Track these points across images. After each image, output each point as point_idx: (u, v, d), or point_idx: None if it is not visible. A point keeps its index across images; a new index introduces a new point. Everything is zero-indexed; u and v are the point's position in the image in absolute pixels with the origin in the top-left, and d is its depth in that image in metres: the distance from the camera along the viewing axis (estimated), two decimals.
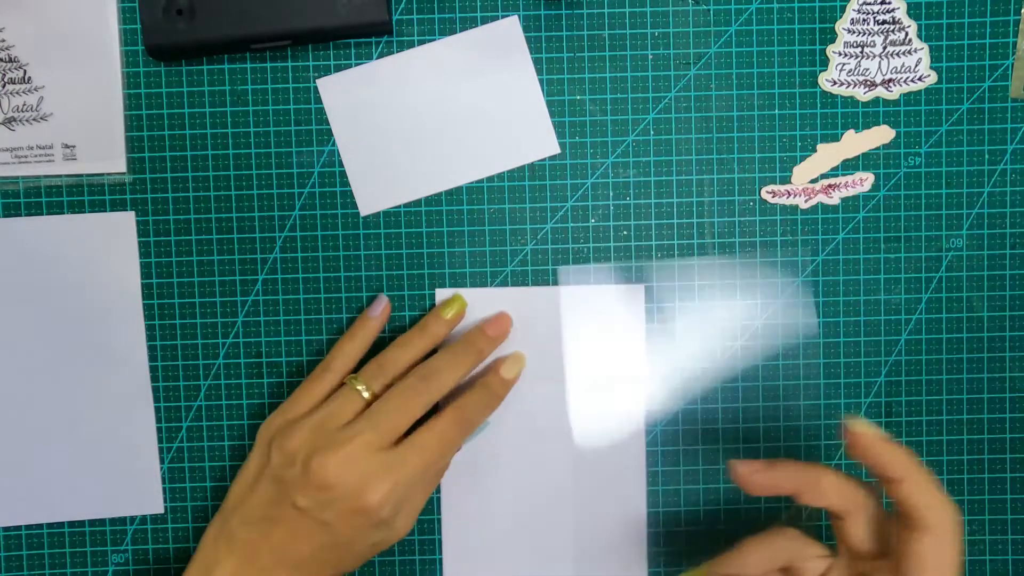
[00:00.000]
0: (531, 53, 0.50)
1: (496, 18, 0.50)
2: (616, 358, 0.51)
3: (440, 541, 0.51)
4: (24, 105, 0.50)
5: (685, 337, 0.51)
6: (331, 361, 0.48)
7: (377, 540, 0.46)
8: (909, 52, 0.50)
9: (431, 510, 0.51)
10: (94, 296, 0.50)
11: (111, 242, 0.50)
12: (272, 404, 0.51)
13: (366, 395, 0.47)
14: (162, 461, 0.51)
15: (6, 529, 0.51)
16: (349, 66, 0.50)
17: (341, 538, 0.45)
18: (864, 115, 0.50)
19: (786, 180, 0.51)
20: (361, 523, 0.44)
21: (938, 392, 0.51)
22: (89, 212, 0.50)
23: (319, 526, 0.44)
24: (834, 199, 0.51)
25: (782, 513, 0.52)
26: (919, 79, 0.50)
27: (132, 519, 0.52)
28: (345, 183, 0.51)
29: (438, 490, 0.51)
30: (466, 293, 0.51)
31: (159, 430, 0.51)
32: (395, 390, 0.47)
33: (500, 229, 0.51)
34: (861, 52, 0.50)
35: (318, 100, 0.50)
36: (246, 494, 0.46)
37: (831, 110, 0.50)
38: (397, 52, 0.50)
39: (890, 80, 0.50)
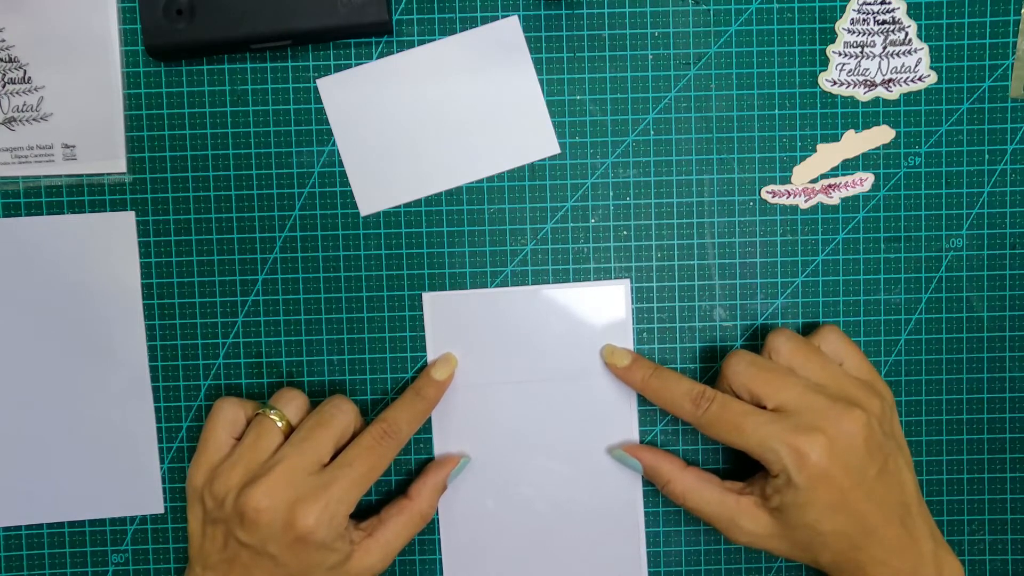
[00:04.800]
0: (531, 53, 0.50)
1: (496, 18, 0.50)
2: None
3: (440, 541, 0.51)
4: (24, 105, 0.50)
5: (685, 338, 0.51)
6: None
7: (332, 564, 0.45)
8: (909, 52, 0.50)
9: None
10: (94, 296, 0.50)
11: (111, 242, 0.50)
12: None
13: (280, 424, 0.46)
14: (162, 461, 0.51)
15: (6, 529, 0.51)
16: (349, 66, 0.50)
17: (294, 569, 0.44)
18: (864, 115, 0.50)
19: (786, 180, 0.51)
20: (304, 551, 0.44)
21: (938, 392, 0.51)
22: (89, 212, 0.50)
23: (269, 560, 0.44)
24: (834, 199, 0.51)
25: None
26: (919, 79, 0.50)
27: (132, 519, 0.52)
28: (345, 183, 0.51)
29: None
30: (467, 293, 0.51)
31: (159, 430, 0.51)
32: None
33: (500, 229, 0.51)
34: (861, 52, 0.50)
35: (318, 100, 0.50)
36: (200, 543, 0.46)
37: (831, 110, 0.50)
38: (397, 52, 0.50)
39: (890, 80, 0.50)
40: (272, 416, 0.46)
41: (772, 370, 0.46)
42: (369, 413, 0.51)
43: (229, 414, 0.47)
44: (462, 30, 0.50)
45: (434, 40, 0.50)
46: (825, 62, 0.50)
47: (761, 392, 0.45)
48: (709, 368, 0.51)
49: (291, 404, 0.47)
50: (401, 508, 0.48)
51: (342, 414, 0.47)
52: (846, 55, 0.50)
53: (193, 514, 0.46)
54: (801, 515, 0.44)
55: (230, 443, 0.47)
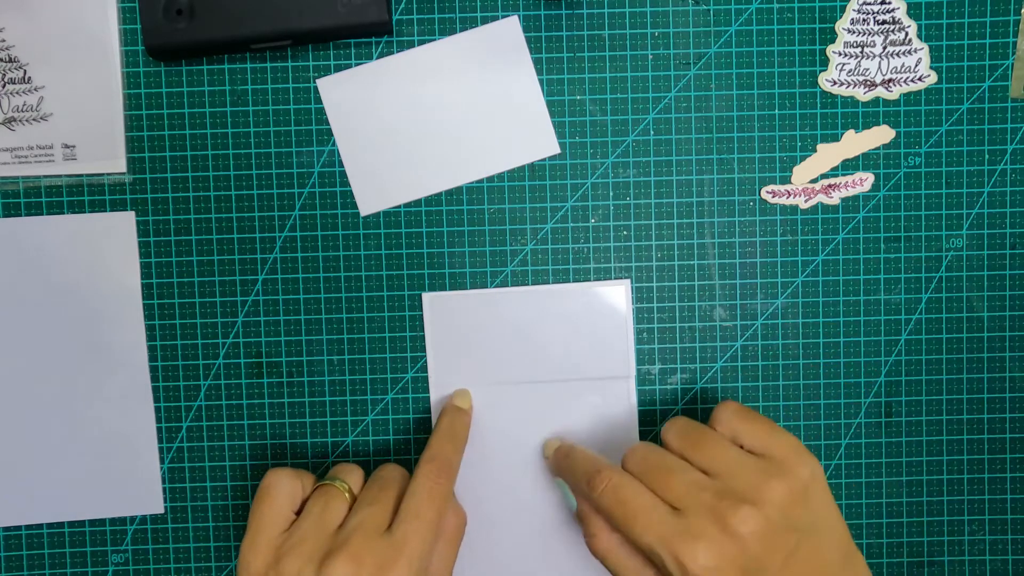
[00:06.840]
0: (531, 53, 0.50)
1: (496, 18, 0.50)
2: (612, 356, 0.51)
3: None
4: (24, 105, 0.50)
5: (685, 338, 0.51)
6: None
7: None
8: (909, 52, 0.50)
9: None
10: (94, 296, 0.50)
11: (111, 242, 0.50)
12: (272, 404, 0.51)
13: (347, 495, 0.44)
14: (162, 461, 0.51)
15: (6, 529, 0.51)
16: (349, 66, 0.50)
17: None
18: (864, 115, 0.51)
19: (786, 180, 0.51)
20: None
21: (938, 392, 0.51)
22: (89, 212, 0.50)
23: None
24: (834, 199, 0.51)
25: None
26: (919, 79, 0.50)
27: (132, 519, 0.52)
28: (345, 183, 0.51)
29: None
30: (466, 293, 0.51)
31: (159, 430, 0.51)
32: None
33: (500, 229, 0.51)
34: (861, 52, 0.50)
35: (318, 100, 0.50)
36: None
37: (831, 110, 0.50)
38: (397, 52, 0.50)
39: (890, 80, 0.50)
40: (338, 486, 0.45)
41: (659, 466, 0.43)
42: (370, 413, 0.51)
43: (287, 487, 0.44)
44: (462, 30, 0.50)
45: (434, 40, 0.50)
46: (825, 62, 0.50)
47: (653, 489, 0.43)
48: (709, 369, 0.51)
49: (352, 475, 0.46)
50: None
51: (400, 476, 0.46)
52: (846, 55, 0.50)
53: None
54: None
55: (290, 518, 0.44)
